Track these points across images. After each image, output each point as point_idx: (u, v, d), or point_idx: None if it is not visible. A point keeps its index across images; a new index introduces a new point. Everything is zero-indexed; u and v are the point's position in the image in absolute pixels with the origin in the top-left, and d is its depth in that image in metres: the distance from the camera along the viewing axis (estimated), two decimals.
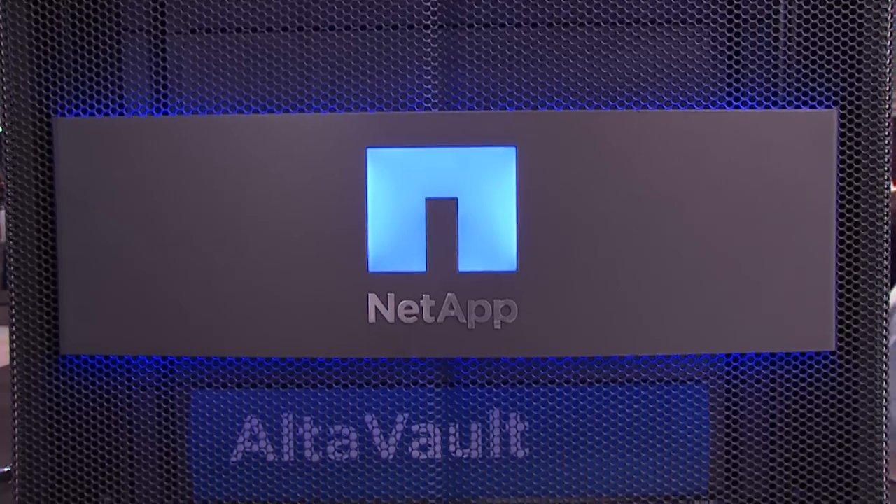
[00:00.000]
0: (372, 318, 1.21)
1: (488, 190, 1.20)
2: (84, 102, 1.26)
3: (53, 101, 1.25)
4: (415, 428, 1.28)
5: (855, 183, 1.22)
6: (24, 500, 1.32)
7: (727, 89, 1.24)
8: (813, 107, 1.22)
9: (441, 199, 1.20)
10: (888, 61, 1.20)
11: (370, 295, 1.21)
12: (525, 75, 1.22)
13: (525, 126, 1.19)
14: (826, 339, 1.22)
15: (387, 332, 1.21)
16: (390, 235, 1.21)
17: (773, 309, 1.22)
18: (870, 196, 1.22)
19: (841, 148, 1.22)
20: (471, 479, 1.28)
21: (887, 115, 1.21)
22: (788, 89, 1.23)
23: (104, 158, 1.23)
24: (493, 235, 1.21)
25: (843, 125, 1.21)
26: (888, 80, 1.20)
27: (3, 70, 1.25)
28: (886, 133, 1.21)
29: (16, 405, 1.34)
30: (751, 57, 1.24)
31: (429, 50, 1.22)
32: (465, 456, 1.28)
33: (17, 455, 1.35)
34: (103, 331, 1.26)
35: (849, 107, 1.22)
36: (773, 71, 1.24)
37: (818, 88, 1.22)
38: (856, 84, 1.21)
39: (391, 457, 1.29)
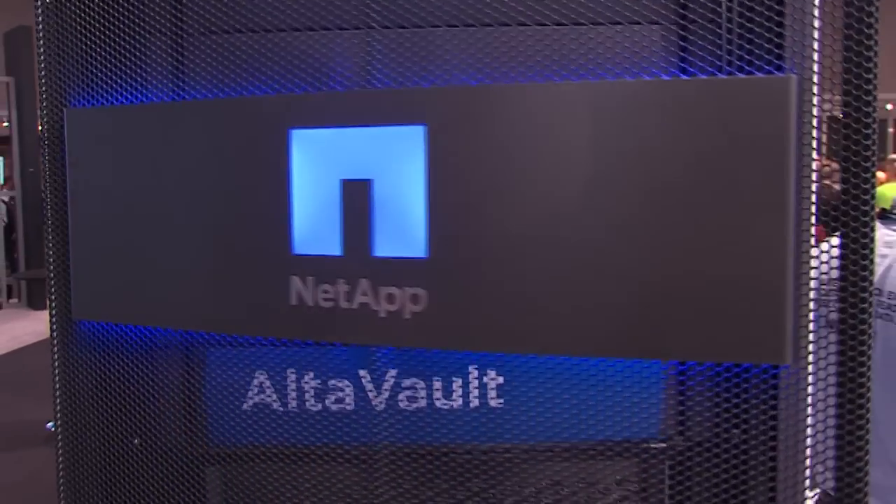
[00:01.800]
0: (294, 300, 1.20)
1: (401, 172, 1.13)
2: (93, 92, 1.40)
3: (69, 94, 1.41)
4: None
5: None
6: (67, 442, 1.52)
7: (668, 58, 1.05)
8: (769, 72, 1.00)
9: (356, 180, 1.16)
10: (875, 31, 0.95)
11: (292, 277, 1.20)
12: (443, 55, 1.14)
13: (436, 103, 1.11)
14: (781, 352, 1.00)
15: (306, 315, 1.19)
16: (312, 217, 1.19)
17: (723, 316, 1.02)
18: (854, 185, 0.98)
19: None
20: (448, 427, 1.26)
21: (874, 88, 0.96)
22: (739, 52, 1.02)
23: (108, 142, 1.36)
24: (406, 219, 1.14)
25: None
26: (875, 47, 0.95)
27: (42, 75, 1.43)
28: (872, 109, 0.96)
29: (56, 364, 1.53)
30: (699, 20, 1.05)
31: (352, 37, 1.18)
32: (444, 407, 1.26)
33: (58, 407, 1.56)
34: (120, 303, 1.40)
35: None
36: (728, 36, 1.04)
37: (775, 51, 1.00)
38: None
39: (379, 406, 1.29)
